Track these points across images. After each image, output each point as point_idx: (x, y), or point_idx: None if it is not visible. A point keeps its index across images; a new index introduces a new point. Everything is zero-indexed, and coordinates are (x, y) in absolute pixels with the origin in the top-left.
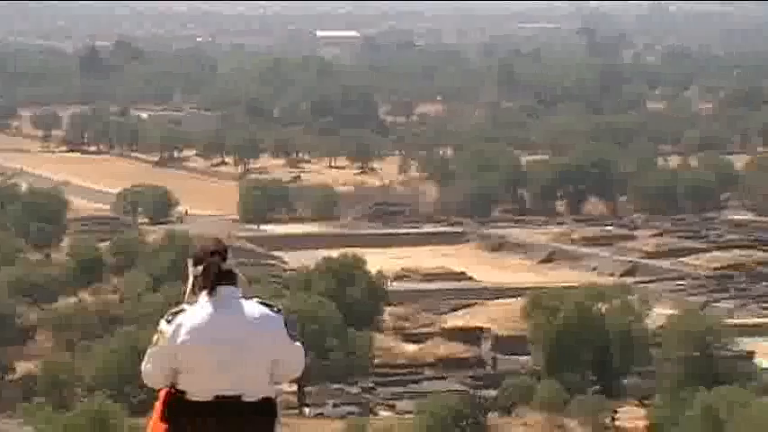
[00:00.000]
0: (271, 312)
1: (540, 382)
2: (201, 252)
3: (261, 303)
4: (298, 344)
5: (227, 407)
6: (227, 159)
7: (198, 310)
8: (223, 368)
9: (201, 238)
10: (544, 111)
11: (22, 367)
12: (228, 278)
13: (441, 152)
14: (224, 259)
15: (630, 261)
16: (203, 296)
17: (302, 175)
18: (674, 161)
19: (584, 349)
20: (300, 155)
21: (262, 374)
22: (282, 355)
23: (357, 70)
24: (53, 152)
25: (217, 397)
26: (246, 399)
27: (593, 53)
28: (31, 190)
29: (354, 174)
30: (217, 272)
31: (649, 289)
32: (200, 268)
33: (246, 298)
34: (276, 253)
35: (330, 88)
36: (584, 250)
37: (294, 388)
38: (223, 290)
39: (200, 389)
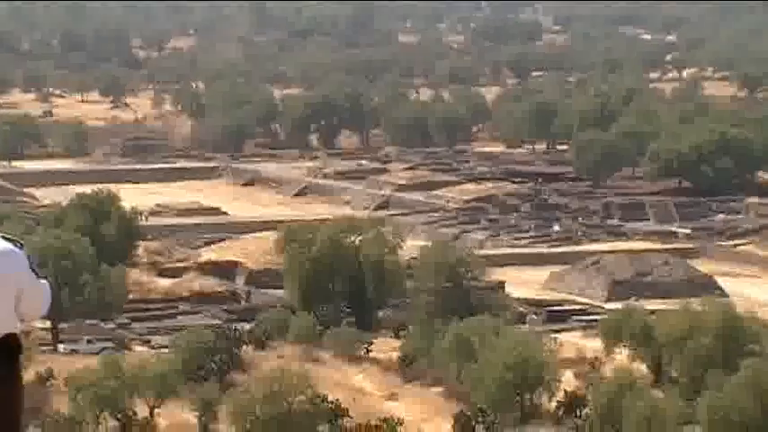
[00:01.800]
0: (13, 247)
1: (295, 316)
2: None
3: (3, 238)
4: (43, 281)
5: None
6: None
7: None
8: None
9: None
10: (297, 45)
11: None
12: None
13: (194, 86)
14: None
15: (384, 194)
16: None
17: (54, 110)
18: (426, 94)
19: (339, 282)
20: (52, 90)
21: (5, 310)
22: (25, 292)
23: (108, 4)
24: None
25: None
26: None
27: None
28: None
29: (107, 109)
30: None
31: (403, 221)
32: None
33: None
34: (28, 189)
35: (81, 23)
36: (338, 184)
37: (48, 324)
38: None
39: None
